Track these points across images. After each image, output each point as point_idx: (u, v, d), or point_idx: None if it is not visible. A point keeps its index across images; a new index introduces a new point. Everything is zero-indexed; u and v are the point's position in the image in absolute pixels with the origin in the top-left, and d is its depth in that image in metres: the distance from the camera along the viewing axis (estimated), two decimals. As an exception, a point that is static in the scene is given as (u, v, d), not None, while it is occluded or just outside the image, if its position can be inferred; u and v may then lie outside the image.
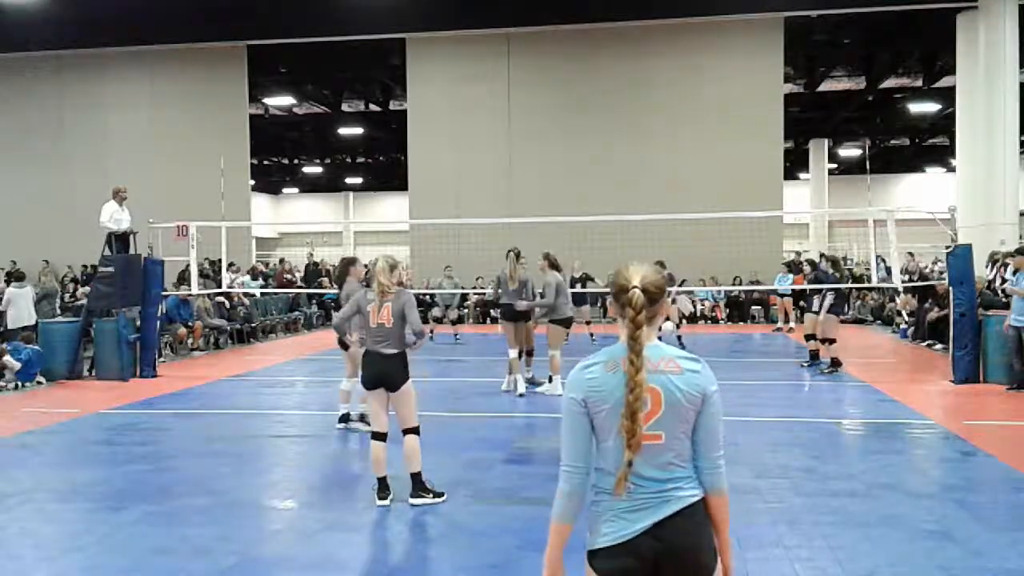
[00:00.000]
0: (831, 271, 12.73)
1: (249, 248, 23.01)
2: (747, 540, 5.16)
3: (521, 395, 10.51)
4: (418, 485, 5.99)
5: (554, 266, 10.97)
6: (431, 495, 6.00)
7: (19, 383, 11.76)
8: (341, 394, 8.75)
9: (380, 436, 5.99)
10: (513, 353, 10.71)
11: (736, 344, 16.49)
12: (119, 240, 13.13)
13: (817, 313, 12.58)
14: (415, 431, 6.00)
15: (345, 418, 8.71)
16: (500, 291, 11.06)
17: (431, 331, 14.12)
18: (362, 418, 8.48)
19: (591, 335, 16.66)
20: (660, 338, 2.62)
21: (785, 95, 22.43)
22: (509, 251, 10.98)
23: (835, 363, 12.35)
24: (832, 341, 12.36)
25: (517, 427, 9.05)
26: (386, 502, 5.94)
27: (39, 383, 12.09)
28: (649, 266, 2.52)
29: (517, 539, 5.29)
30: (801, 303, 16.13)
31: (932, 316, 15.25)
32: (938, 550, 5.02)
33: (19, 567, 4.98)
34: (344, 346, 8.36)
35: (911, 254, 19.72)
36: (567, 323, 11.05)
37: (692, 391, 2.39)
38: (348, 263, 8.54)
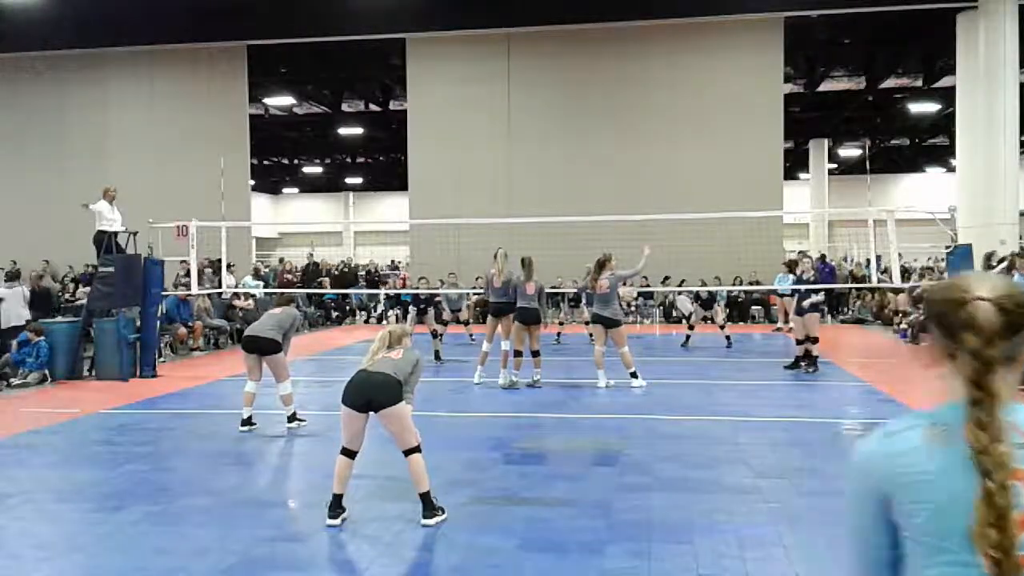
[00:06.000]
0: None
1: (249, 248, 23.02)
2: (747, 540, 5.16)
3: (477, 384, 11.49)
4: (428, 504, 5.61)
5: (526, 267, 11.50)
6: (441, 512, 5.66)
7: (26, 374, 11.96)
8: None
9: (349, 453, 5.66)
10: (487, 346, 11.64)
11: (736, 344, 16.47)
12: (110, 239, 13.15)
13: (800, 314, 12.64)
14: (417, 450, 5.57)
15: None
16: (487, 289, 11.90)
17: (440, 334, 14.41)
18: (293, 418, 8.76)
19: (590, 335, 16.65)
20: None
21: (785, 95, 22.42)
22: (498, 250, 11.72)
23: (811, 361, 12.39)
24: (815, 340, 12.38)
25: (517, 427, 9.05)
26: (336, 522, 5.57)
27: (45, 377, 12.18)
28: (999, 276, 1.63)
29: (517, 539, 5.28)
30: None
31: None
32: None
33: (19, 567, 4.98)
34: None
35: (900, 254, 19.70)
36: (523, 319, 11.40)
37: None
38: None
